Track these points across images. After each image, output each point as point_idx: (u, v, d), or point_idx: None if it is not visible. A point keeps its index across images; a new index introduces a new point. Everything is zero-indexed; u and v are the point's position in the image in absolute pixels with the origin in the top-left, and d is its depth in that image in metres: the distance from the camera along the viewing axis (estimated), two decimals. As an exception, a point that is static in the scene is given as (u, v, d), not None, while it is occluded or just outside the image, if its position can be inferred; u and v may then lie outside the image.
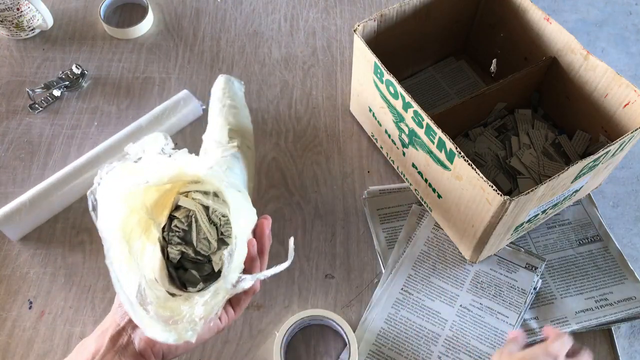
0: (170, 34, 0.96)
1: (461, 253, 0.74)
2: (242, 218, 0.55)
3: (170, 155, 0.53)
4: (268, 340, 0.68)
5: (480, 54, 0.90)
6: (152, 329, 0.47)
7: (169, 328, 0.48)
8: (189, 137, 0.85)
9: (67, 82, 0.89)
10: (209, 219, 0.58)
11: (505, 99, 0.80)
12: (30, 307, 0.72)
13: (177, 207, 0.59)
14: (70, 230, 0.77)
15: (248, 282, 0.51)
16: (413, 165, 0.73)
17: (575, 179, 0.64)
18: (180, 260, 0.58)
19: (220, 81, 0.73)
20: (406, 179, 0.78)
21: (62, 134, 0.85)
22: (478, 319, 0.70)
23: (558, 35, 0.73)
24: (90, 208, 0.49)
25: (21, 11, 0.91)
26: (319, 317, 0.68)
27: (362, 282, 0.73)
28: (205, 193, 0.58)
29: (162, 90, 0.90)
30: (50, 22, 0.96)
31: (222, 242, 0.58)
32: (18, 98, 0.89)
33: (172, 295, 0.54)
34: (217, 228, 0.58)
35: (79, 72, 0.90)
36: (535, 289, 0.71)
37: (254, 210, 0.57)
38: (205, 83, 0.90)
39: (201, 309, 0.50)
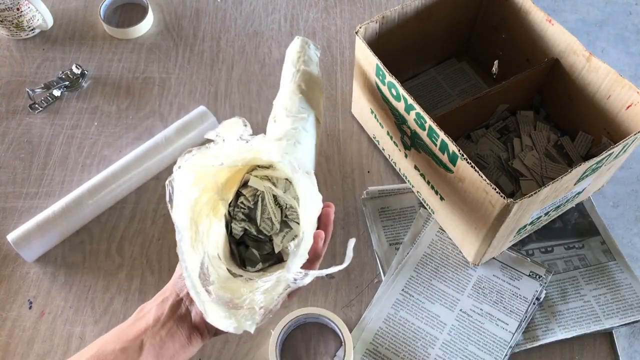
0: (170, 34, 0.96)
1: (464, 257, 0.73)
2: (309, 208, 0.53)
3: (247, 142, 0.52)
4: (268, 340, 0.68)
5: (482, 56, 0.90)
6: (213, 315, 0.47)
7: (229, 314, 0.48)
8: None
9: (67, 82, 0.89)
10: (275, 199, 0.57)
11: (507, 100, 0.79)
12: (30, 307, 0.72)
13: (245, 184, 0.58)
14: (70, 231, 0.77)
15: (309, 278, 0.49)
16: (415, 167, 0.73)
17: (578, 181, 0.64)
18: (243, 237, 0.58)
19: (296, 43, 0.69)
20: (408, 181, 0.78)
21: (62, 134, 0.85)
22: (477, 325, 0.70)
23: (560, 36, 0.73)
24: (167, 199, 0.50)
25: (21, 11, 0.90)
26: (313, 315, 0.68)
27: (362, 282, 0.73)
28: (273, 179, 0.58)
29: (162, 90, 0.90)
30: (50, 22, 0.95)
31: (285, 224, 0.58)
32: (18, 98, 0.89)
33: (233, 275, 0.54)
34: (281, 210, 0.58)
35: (79, 72, 0.90)
36: (538, 299, 0.70)
37: (320, 197, 0.55)
38: (205, 83, 0.90)
39: (261, 297, 0.49)
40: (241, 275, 0.55)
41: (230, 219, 0.58)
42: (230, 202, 0.58)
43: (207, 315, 0.47)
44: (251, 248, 0.58)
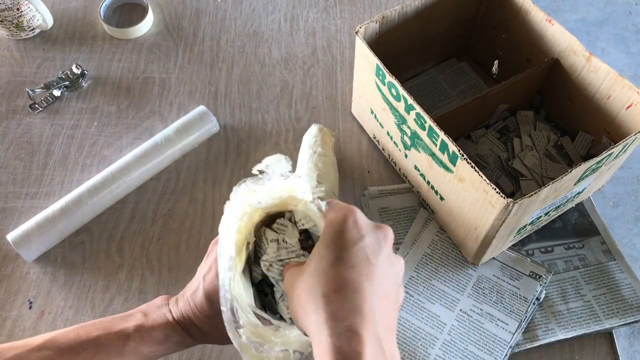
0: (170, 34, 0.96)
1: (464, 257, 0.73)
2: None
3: (285, 178, 0.51)
4: (268, 341, 0.68)
5: (482, 56, 0.90)
6: (247, 354, 0.47)
7: (261, 357, 0.48)
8: (203, 154, 0.84)
9: (67, 82, 0.89)
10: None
11: (508, 100, 0.79)
12: (30, 307, 0.72)
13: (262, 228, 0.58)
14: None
15: None
16: (415, 167, 0.73)
17: (578, 181, 0.64)
18: (261, 282, 0.57)
19: (312, 130, 0.78)
20: (408, 181, 0.78)
21: (62, 134, 0.85)
22: (477, 325, 0.70)
23: (560, 36, 0.73)
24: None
25: (21, 11, 0.90)
26: None
27: (362, 283, 0.73)
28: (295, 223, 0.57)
29: (162, 90, 0.90)
30: (50, 22, 0.95)
31: None
32: (18, 98, 0.89)
33: (262, 323, 0.54)
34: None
35: (79, 72, 0.90)
36: (538, 299, 0.70)
37: None
38: (205, 83, 0.90)
39: (296, 341, 0.49)
40: (270, 322, 0.54)
41: (251, 263, 0.57)
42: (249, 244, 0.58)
43: (241, 351, 0.47)
44: (270, 295, 0.57)
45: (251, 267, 0.56)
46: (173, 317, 0.53)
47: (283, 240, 0.55)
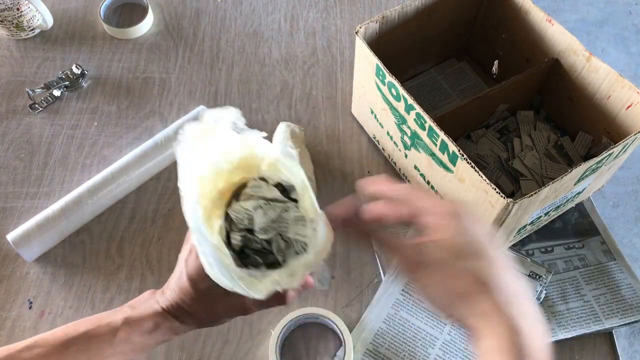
0: (170, 34, 0.96)
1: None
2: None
3: (240, 133, 0.51)
4: (268, 340, 0.68)
5: (482, 56, 0.90)
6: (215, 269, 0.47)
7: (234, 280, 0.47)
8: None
9: (67, 82, 0.89)
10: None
11: (508, 100, 0.79)
12: (30, 307, 0.72)
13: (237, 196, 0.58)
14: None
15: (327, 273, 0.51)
16: (415, 167, 0.73)
17: (578, 181, 0.64)
18: (242, 249, 0.57)
19: (280, 128, 0.78)
20: (408, 181, 0.78)
21: (62, 134, 0.85)
22: (478, 323, 0.70)
23: (560, 36, 0.73)
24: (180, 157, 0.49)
25: (21, 11, 0.90)
26: (313, 315, 0.68)
27: (362, 282, 0.73)
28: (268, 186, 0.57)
29: (162, 90, 0.90)
30: (50, 22, 0.95)
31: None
32: (18, 98, 0.89)
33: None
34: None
35: (79, 72, 0.90)
36: (538, 299, 0.70)
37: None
38: (205, 83, 0.90)
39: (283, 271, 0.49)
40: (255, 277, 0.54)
41: (229, 230, 0.57)
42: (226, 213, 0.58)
43: (210, 265, 0.46)
44: (253, 256, 0.57)
45: (229, 236, 0.56)
46: (162, 307, 0.53)
47: (265, 202, 0.55)
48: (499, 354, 0.40)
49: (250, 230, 0.56)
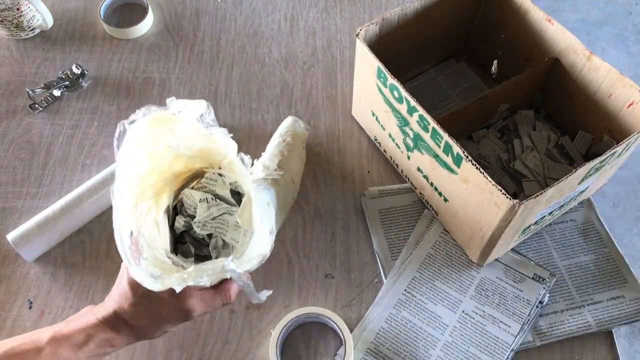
0: (170, 34, 0.96)
1: (468, 259, 0.73)
2: (263, 221, 0.54)
3: (207, 127, 0.52)
4: (268, 340, 0.68)
5: (481, 55, 0.90)
6: (138, 274, 0.48)
7: (155, 278, 0.48)
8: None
9: (67, 82, 0.89)
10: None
11: (508, 100, 0.79)
12: (30, 307, 0.72)
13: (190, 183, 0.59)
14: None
15: (245, 279, 0.51)
16: (418, 169, 0.73)
17: (582, 180, 0.64)
18: (183, 233, 0.58)
19: (287, 120, 0.78)
20: (411, 182, 0.78)
21: (62, 134, 0.85)
22: (479, 327, 0.69)
23: (560, 36, 0.73)
24: (116, 136, 0.49)
25: (21, 11, 0.90)
26: (314, 314, 0.68)
27: (362, 282, 0.73)
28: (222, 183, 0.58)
29: (162, 90, 0.90)
30: (50, 22, 0.95)
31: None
32: (18, 98, 0.89)
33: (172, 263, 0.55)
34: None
35: (79, 72, 0.90)
36: (541, 302, 0.70)
37: (271, 240, 0.56)
38: (205, 83, 0.90)
39: (192, 269, 0.50)
40: (182, 266, 0.55)
41: (174, 213, 0.58)
42: (175, 196, 0.59)
43: (131, 271, 0.47)
44: (189, 244, 0.58)
45: (174, 217, 0.57)
46: (97, 318, 0.53)
47: (212, 198, 0.56)
48: None
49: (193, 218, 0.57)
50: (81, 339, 0.52)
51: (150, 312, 0.52)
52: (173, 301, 0.52)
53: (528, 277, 0.72)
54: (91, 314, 0.54)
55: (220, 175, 0.59)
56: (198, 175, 0.61)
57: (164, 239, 0.56)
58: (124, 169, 0.50)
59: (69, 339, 0.52)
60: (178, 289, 0.48)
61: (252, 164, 0.53)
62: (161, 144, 0.53)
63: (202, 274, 0.48)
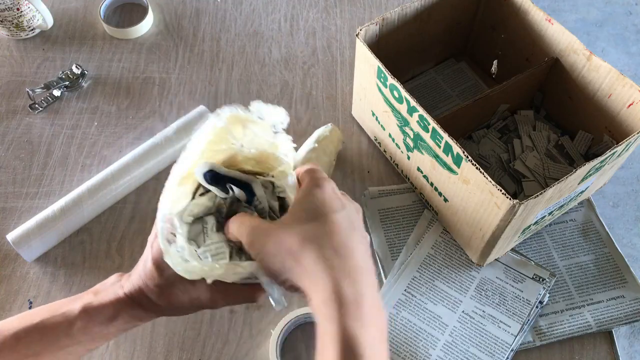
0: (170, 34, 0.96)
1: (468, 259, 0.73)
2: None
3: (276, 133, 0.52)
4: (268, 340, 0.68)
5: (481, 55, 0.90)
6: (169, 256, 0.47)
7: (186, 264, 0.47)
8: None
9: (67, 82, 0.89)
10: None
11: (508, 100, 0.79)
12: (30, 307, 0.72)
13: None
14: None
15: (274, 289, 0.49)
16: (418, 169, 0.73)
17: (582, 180, 0.64)
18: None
19: (325, 127, 0.79)
20: (411, 182, 0.78)
21: (62, 134, 0.85)
22: (479, 327, 0.69)
23: (560, 36, 0.73)
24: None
25: (21, 11, 0.90)
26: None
27: (362, 283, 0.73)
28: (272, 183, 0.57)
29: (162, 90, 0.90)
30: (50, 22, 0.95)
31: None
32: (18, 98, 0.89)
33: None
34: None
35: (79, 72, 0.90)
36: (541, 302, 0.70)
37: None
38: (205, 83, 0.90)
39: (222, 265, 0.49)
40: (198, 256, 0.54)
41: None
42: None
43: (165, 253, 0.46)
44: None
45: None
46: (124, 293, 0.52)
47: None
48: (324, 307, 0.40)
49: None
50: (110, 314, 0.51)
51: (175, 295, 0.51)
52: (198, 289, 0.50)
53: (528, 277, 0.72)
54: (118, 286, 0.52)
55: (272, 184, 0.58)
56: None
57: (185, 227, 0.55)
58: (189, 152, 0.49)
59: (99, 313, 0.51)
60: (209, 280, 0.47)
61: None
62: (230, 140, 0.52)
63: (230, 274, 0.47)
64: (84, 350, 0.53)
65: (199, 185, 0.54)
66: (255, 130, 0.52)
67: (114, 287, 0.52)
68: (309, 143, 0.76)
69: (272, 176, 0.56)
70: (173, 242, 0.48)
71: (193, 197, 0.53)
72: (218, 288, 0.50)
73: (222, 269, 0.47)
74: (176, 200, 0.51)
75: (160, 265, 0.49)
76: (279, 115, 0.52)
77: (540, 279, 0.72)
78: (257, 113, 0.51)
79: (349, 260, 0.42)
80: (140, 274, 0.51)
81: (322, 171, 0.49)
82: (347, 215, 0.45)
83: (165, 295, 0.50)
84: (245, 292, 0.51)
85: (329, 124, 0.79)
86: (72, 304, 0.51)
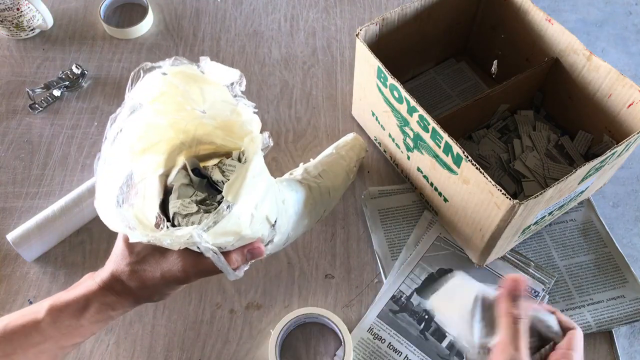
0: (170, 34, 0.96)
1: (468, 260, 0.73)
2: (265, 205, 0.52)
3: (235, 96, 0.51)
4: (268, 340, 0.68)
5: (481, 55, 0.90)
6: (114, 218, 0.47)
7: (129, 231, 0.47)
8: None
9: (67, 82, 0.89)
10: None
11: (508, 100, 0.79)
12: (30, 308, 0.72)
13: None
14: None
15: (210, 252, 0.48)
16: (418, 169, 0.73)
17: (582, 180, 0.64)
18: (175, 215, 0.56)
19: (348, 136, 0.79)
20: (411, 182, 0.78)
21: (62, 134, 0.85)
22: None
23: (560, 36, 0.73)
24: (132, 76, 0.48)
25: (21, 11, 0.90)
26: (313, 315, 0.68)
27: (362, 282, 0.73)
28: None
29: (162, 90, 0.90)
30: (50, 22, 0.95)
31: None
32: (18, 98, 0.89)
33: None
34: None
35: (79, 72, 0.90)
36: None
37: (271, 233, 0.56)
38: (206, 83, 0.90)
39: (161, 232, 0.48)
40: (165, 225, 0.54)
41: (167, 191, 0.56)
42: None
43: (110, 215, 0.47)
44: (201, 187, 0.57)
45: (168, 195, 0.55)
46: (97, 283, 0.52)
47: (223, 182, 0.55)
48: None
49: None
50: (81, 305, 0.51)
51: (146, 272, 0.51)
52: (169, 261, 0.50)
53: (528, 277, 0.72)
54: (90, 279, 0.53)
55: (239, 160, 0.57)
56: (217, 154, 0.59)
57: (156, 199, 0.55)
58: (136, 108, 0.49)
59: (68, 306, 0.51)
60: (132, 240, 0.47)
61: (271, 143, 0.51)
62: (188, 103, 0.51)
63: (166, 238, 0.47)
64: (58, 348, 0.52)
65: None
66: (214, 93, 0.51)
67: (85, 282, 0.53)
68: (329, 150, 0.77)
69: (241, 151, 0.56)
70: (125, 203, 0.49)
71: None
72: (187, 258, 0.50)
73: (157, 235, 0.47)
74: (145, 167, 0.52)
75: (129, 243, 0.51)
76: (234, 76, 0.51)
77: (540, 280, 0.72)
78: (208, 71, 0.50)
79: None
80: (112, 259, 0.52)
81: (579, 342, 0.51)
82: None
83: (136, 275, 0.51)
84: (208, 262, 0.50)
85: (352, 133, 0.79)
86: (42, 303, 0.52)
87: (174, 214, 0.54)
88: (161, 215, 0.54)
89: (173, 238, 0.46)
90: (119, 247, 0.52)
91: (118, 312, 0.53)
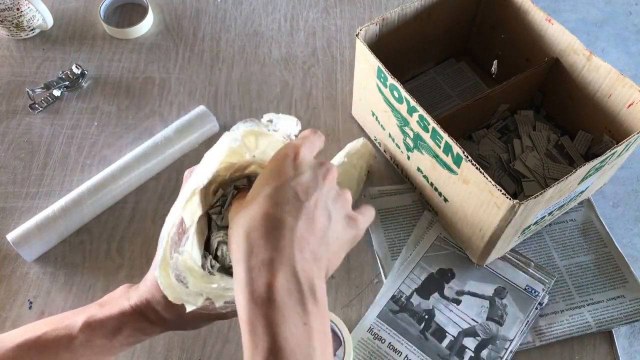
0: (170, 34, 0.96)
1: (468, 259, 0.73)
2: None
3: (284, 139, 0.50)
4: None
5: (481, 55, 0.90)
6: (161, 274, 0.45)
7: (175, 285, 0.45)
8: (203, 154, 0.84)
9: (67, 82, 0.89)
10: None
11: (508, 100, 0.79)
12: (30, 307, 0.72)
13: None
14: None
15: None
16: (418, 169, 0.73)
17: (582, 180, 0.64)
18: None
19: (357, 141, 0.78)
20: (410, 182, 0.78)
21: (62, 134, 0.85)
22: (479, 321, 0.70)
23: (560, 36, 0.73)
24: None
25: (21, 11, 0.90)
26: None
27: (362, 282, 0.73)
28: None
29: (162, 90, 0.90)
30: (50, 22, 0.95)
31: None
32: (18, 98, 0.89)
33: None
34: None
35: (79, 72, 0.90)
36: (541, 304, 0.70)
37: None
38: (205, 83, 0.90)
39: (213, 290, 0.47)
40: (210, 267, 0.52)
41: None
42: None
43: (156, 269, 0.44)
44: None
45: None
46: (130, 305, 0.50)
47: None
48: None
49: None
50: (114, 326, 0.49)
51: (183, 307, 0.48)
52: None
53: (528, 277, 0.72)
54: (125, 299, 0.50)
55: None
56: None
57: (201, 237, 0.54)
58: (204, 168, 0.47)
59: (102, 326, 0.49)
60: (188, 310, 0.44)
61: None
62: (241, 152, 0.51)
63: (220, 300, 0.46)
64: None
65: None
66: (268, 140, 0.51)
67: (120, 299, 0.51)
68: (339, 157, 0.76)
69: None
70: (175, 250, 0.47)
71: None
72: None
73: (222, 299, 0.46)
74: (194, 209, 0.50)
75: None
76: (292, 126, 0.51)
77: (540, 280, 0.72)
78: (271, 125, 0.50)
79: (273, 240, 0.39)
80: (147, 284, 0.49)
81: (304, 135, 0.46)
82: (293, 186, 0.40)
83: (175, 308, 0.48)
84: None
85: (361, 138, 0.79)
86: (76, 316, 0.50)
87: (218, 243, 0.52)
88: (207, 254, 0.52)
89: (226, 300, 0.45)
90: (155, 276, 0.48)
91: (149, 336, 0.52)
